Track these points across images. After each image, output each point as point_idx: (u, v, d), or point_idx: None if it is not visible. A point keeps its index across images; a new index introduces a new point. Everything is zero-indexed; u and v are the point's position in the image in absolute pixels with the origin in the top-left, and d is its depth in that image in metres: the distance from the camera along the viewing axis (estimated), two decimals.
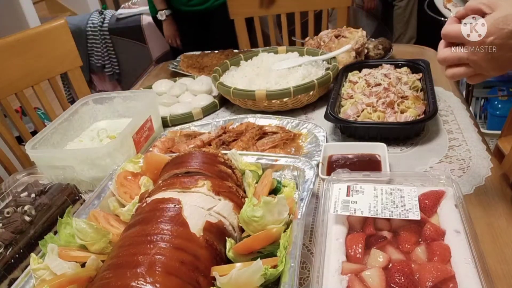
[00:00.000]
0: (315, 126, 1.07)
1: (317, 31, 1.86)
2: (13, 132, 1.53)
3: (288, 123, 1.12)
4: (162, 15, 2.43)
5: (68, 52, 1.56)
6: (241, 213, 0.66)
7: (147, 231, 0.61)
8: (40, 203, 0.84)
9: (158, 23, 2.58)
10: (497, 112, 2.31)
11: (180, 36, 2.58)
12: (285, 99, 1.16)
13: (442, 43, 0.70)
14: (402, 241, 0.64)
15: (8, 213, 0.82)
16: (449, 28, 0.67)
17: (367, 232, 0.66)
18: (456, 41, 0.67)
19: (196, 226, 0.63)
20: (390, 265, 0.60)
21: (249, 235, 0.66)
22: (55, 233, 0.70)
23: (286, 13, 1.92)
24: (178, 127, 1.21)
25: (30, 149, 0.98)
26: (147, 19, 3.10)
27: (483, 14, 0.63)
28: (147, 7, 3.10)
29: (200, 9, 2.39)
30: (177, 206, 0.65)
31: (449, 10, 0.68)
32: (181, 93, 1.39)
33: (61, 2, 4.86)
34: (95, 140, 1.15)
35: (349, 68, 1.30)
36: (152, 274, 0.54)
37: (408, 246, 0.63)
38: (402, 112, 1.01)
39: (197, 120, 1.26)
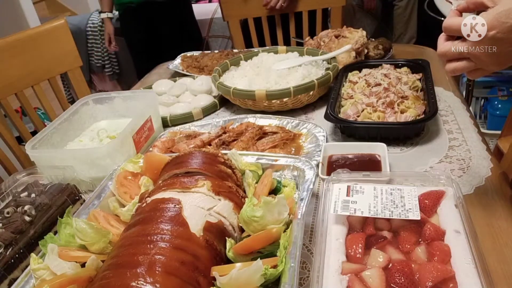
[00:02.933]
0: (315, 126, 1.07)
1: (311, 31, 1.87)
2: (13, 132, 1.53)
3: (288, 123, 1.12)
4: (105, 15, 2.58)
5: (68, 52, 1.56)
6: (241, 213, 0.66)
7: (147, 231, 0.61)
8: (40, 203, 0.84)
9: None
10: (497, 112, 2.31)
11: (116, 40, 2.68)
12: (285, 99, 1.16)
13: (442, 37, 0.68)
14: (402, 241, 0.64)
15: (8, 213, 0.82)
16: (450, 21, 0.66)
17: (367, 232, 0.66)
18: (457, 35, 0.66)
19: (196, 226, 0.63)
20: (390, 265, 0.60)
21: (249, 235, 0.66)
22: (55, 233, 0.70)
23: (280, 14, 1.92)
24: (178, 127, 1.20)
25: (30, 149, 0.98)
26: None
27: (485, 8, 0.62)
28: None
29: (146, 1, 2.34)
30: (177, 206, 0.65)
31: (451, 3, 0.68)
32: (181, 93, 1.39)
33: (61, 2, 4.86)
34: (95, 140, 1.15)
35: (349, 68, 1.30)
36: (152, 274, 0.54)
37: (408, 246, 0.63)
38: (402, 112, 1.01)
39: (197, 120, 1.26)
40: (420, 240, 0.64)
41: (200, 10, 3.13)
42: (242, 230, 0.69)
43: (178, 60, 1.69)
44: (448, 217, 0.66)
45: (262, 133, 1.08)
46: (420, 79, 1.17)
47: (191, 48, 1.81)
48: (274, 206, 0.64)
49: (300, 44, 1.68)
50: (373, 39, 1.50)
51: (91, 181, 0.96)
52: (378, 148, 0.92)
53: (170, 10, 2.40)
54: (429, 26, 2.30)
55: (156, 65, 1.81)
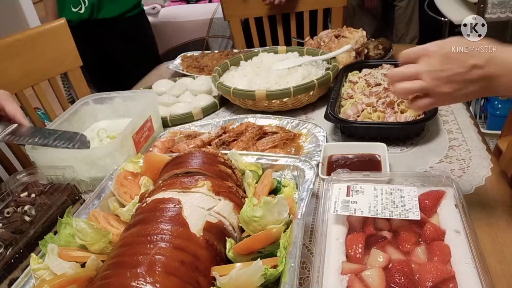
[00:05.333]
0: (315, 126, 1.07)
1: (312, 31, 1.86)
2: None
3: (288, 123, 1.12)
4: None
5: (68, 52, 1.56)
6: (241, 213, 0.66)
7: (147, 231, 0.61)
8: (40, 203, 0.84)
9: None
10: (497, 112, 2.31)
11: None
12: (285, 99, 1.16)
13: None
14: (402, 241, 0.64)
15: (8, 213, 0.82)
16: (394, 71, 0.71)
17: (367, 232, 0.66)
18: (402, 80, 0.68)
19: (196, 226, 0.63)
20: (390, 265, 0.60)
21: (249, 235, 0.66)
22: (55, 233, 0.70)
23: (282, 13, 1.91)
24: (178, 127, 1.21)
25: (30, 149, 0.98)
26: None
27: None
28: (147, 7, 3.10)
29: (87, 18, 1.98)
30: (177, 206, 0.65)
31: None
32: (181, 93, 1.38)
33: None
34: (95, 140, 1.15)
35: (349, 68, 1.30)
36: (152, 274, 0.54)
37: (408, 246, 0.63)
38: (402, 112, 1.01)
39: (197, 120, 1.26)
40: (420, 240, 0.64)
41: (200, 10, 3.13)
42: (242, 230, 0.69)
43: (178, 60, 1.69)
44: (448, 217, 0.66)
45: (262, 133, 1.08)
46: None
47: (149, 69, 1.70)
48: (274, 206, 0.64)
49: (300, 44, 1.68)
50: (373, 39, 1.50)
51: (91, 181, 0.96)
52: (378, 148, 0.92)
53: (122, 28, 2.07)
54: (432, 26, 2.30)
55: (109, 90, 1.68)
